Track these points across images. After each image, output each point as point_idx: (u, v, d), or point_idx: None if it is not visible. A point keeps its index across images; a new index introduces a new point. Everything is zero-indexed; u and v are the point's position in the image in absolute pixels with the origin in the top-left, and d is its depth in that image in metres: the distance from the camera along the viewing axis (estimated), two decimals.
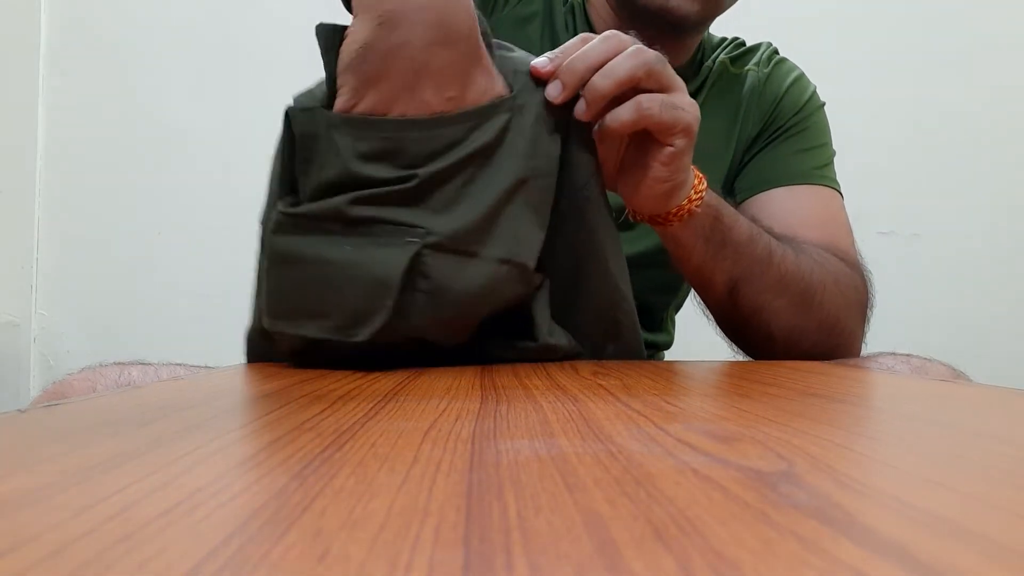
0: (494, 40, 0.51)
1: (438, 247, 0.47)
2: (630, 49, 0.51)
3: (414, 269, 0.46)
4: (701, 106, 0.75)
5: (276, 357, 0.53)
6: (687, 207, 0.57)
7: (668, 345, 0.85)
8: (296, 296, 0.48)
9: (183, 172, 1.45)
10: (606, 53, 0.50)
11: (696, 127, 0.53)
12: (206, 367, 0.67)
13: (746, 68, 0.79)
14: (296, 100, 0.51)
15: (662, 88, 0.52)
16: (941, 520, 0.15)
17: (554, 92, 0.50)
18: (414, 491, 0.17)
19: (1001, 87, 1.48)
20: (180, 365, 0.66)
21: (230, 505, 0.16)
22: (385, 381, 0.40)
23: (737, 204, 0.73)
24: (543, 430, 0.25)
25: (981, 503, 0.16)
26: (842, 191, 0.78)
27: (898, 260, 1.43)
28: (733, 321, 0.65)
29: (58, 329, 1.45)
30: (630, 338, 0.58)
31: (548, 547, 0.13)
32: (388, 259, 0.46)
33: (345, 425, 0.26)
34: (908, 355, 0.63)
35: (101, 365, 0.63)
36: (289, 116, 0.51)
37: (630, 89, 0.51)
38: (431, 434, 0.24)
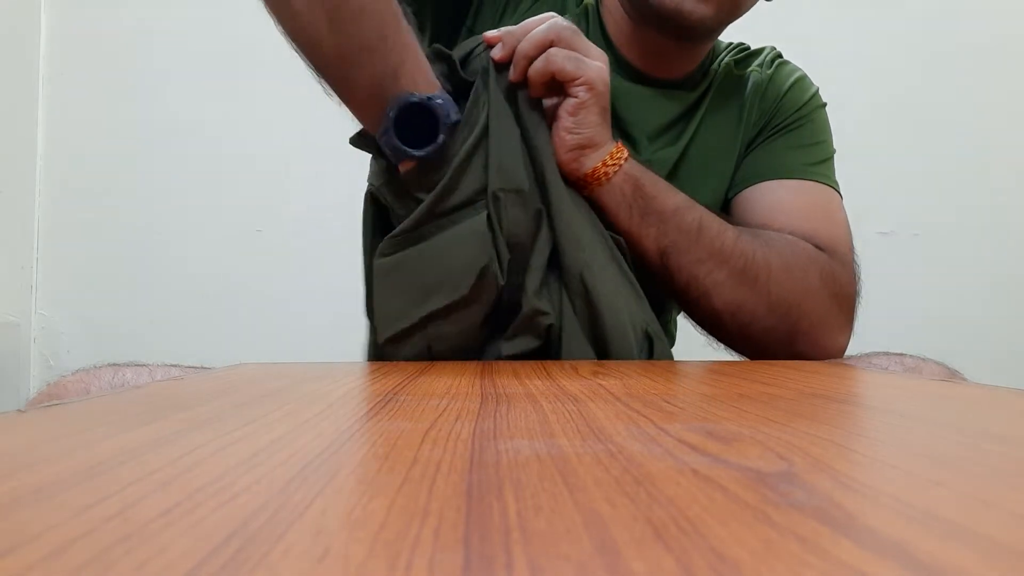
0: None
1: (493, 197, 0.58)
2: (548, 22, 0.61)
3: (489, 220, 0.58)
4: (707, 108, 0.76)
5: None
6: (601, 169, 0.62)
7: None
8: (408, 291, 0.59)
9: (183, 172, 1.45)
10: (535, 24, 0.61)
11: (600, 86, 0.61)
12: (201, 367, 0.67)
13: (749, 70, 0.79)
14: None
15: (572, 50, 0.60)
16: (941, 520, 0.15)
17: (497, 52, 0.62)
18: (414, 491, 0.17)
19: (1001, 87, 1.48)
20: (175, 366, 0.66)
21: (230, 505, 0.16)
22: (385, 381, 0.40)
23: (730, 199, 0.75)
24: (543, 430, 0.25)
25: (981, 503, 0.16)
26: (840, 190, 0.78)
27: (898, 260, 1.43)
28: (672, 289, 0.67)
29: (58, 329, 1.45)
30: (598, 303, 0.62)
31: (548, 547, 0.13)
32: (471, 225, 0.58)
33: (345, 425, 0.26)
34: (901, 355, 0.63)
35: (95, 367, 0.63)
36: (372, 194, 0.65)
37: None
38: (431, 434, 0.24)
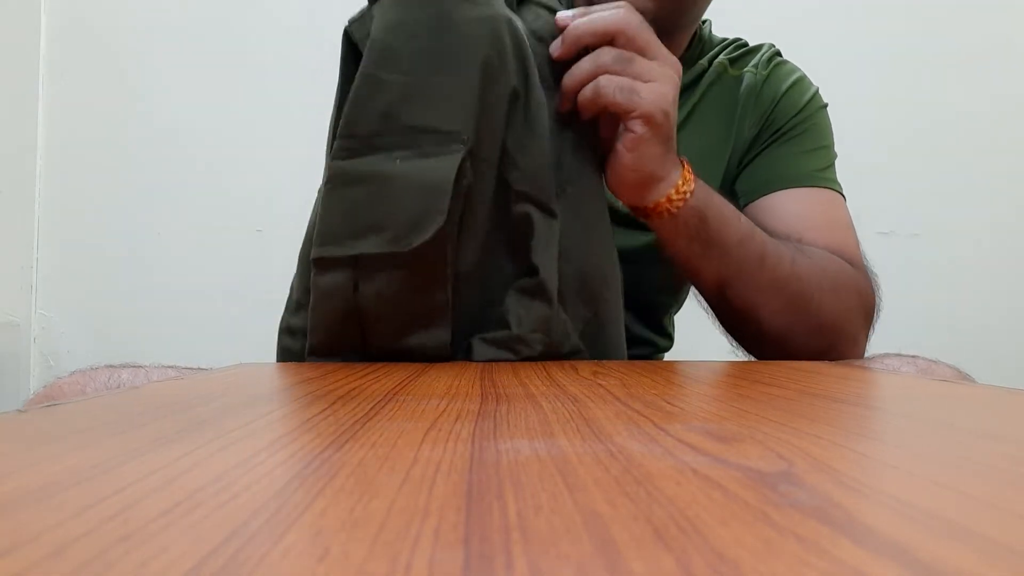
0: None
1: (474, 156, 0.51)
2: (620, 7, 0.54)
3: (461, 175, 0.50)
4: (697, 106, 0.74)
5: (305, 357, 0.55)
6: (665, 205, 0.57)
7: (668, 348, 0.85)
8: (352, 215, 0.51)
9: (183, 172, 1.45)
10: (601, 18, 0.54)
11: (660, 116, 0.54)
12: (198, 368, 0.67)
13: (744, 70, 0.79)
14: (350, 20, 0.55)
15: (637, 50, 0.54)
16: (941, 520, 0.15)
17: (555, 50, 0.55)
18: (414, 491, 0.17)
19: (1001, 87, 1.48)
20: (171, 367, 0.66)
21: (230, 505, 0.16)
22: (385, 381, 0.40)
23: (741, 207, 0.73)
24: (543, 430, 0.25)
25: (981, 503, 0.16)
26: (844, 193, 0.78)
27: (898, 260, 1.43)
28: (725, 317, 0.66)
29: (58, 329, 1.45)
30: (609, 319, 0.59)
31: (548, 547, 0.13)
32: (438, 167, 0.50)
33: (345, 425, 0.26)
34: (914, 356, 0.63)
35: (92, 368, 0.63)
36: (347, 31, 0.55)
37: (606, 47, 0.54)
38: (431, 434, 0.24)
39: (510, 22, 0.53)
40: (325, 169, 0.53)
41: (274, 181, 1.43)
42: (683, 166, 0.59)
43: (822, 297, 0.64)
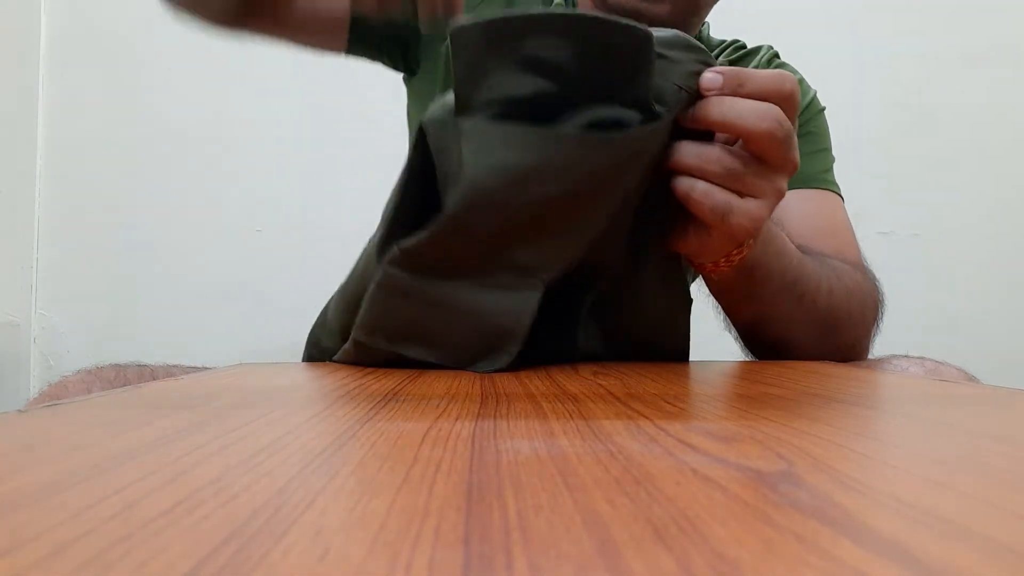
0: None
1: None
2: (777, 111, 0.46)
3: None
4: None
5: (342, 359, 0.52)
6: (721, 267, 0.54)
7: None
8: (405, 325, 0.47)
9: (183, 172, 1.45)
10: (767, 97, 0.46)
11: (742, 238, 0.50)
12: (204, 367, 0.67)
13: None
14: (429, 111, 0.47)
15: (770, 153, 0.47)
16: (941, 520, 0.15)
17: (712, 85, 0.46)
18: (414, 491, 0.17)
19: (1001, 87, 1.48)
20: (176, 367, 0.66)
21: (230, 505, 0.16)
22: (385, 381, 0.40)
23: None
24: (543, 430, 0.25)
25: (981, 503, 0.16)
26: (842, 194, 0.79)
27: (898, 260, 1.43)
28: (753, 344, 0.66)
29: (58, 329, 1.45)
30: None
31: (548, 547, 0.13)
32: (513, 308, 0.46)
33: (345, 425, 0.26)
34: (922, 358, 0.63)
35: (98, 367, 0.63)
36: (423, 129, 0.47)
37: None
38: (431, 434, 0.24)
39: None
40: (379, 263, 0.47)
41: (274, 181, 1.43)
42: None
43: (849, 319, 0.64)
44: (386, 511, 0.15)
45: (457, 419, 0.27)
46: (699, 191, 0.47)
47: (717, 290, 0.60)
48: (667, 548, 0.13)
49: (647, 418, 0.27)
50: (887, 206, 1.43)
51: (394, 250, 0.46)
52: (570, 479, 0.18)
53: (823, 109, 0.80)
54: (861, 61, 1.46)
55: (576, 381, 0.40)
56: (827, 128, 0.80)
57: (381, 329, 0.48)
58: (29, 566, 0.12)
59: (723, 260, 0.53)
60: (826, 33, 1.45)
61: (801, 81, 0.80)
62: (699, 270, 0.57)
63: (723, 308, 0.63)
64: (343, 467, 0.19)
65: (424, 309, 0.46)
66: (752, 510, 0.15)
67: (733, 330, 0.67)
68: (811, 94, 0.80)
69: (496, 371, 0.45)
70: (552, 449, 0.21)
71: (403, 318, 0.47)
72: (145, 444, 0.22)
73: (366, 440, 0.23)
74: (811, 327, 0.62)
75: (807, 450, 0.21)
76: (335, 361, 0.53)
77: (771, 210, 0.49)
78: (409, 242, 0.45)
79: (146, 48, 1.46)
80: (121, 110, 1.46)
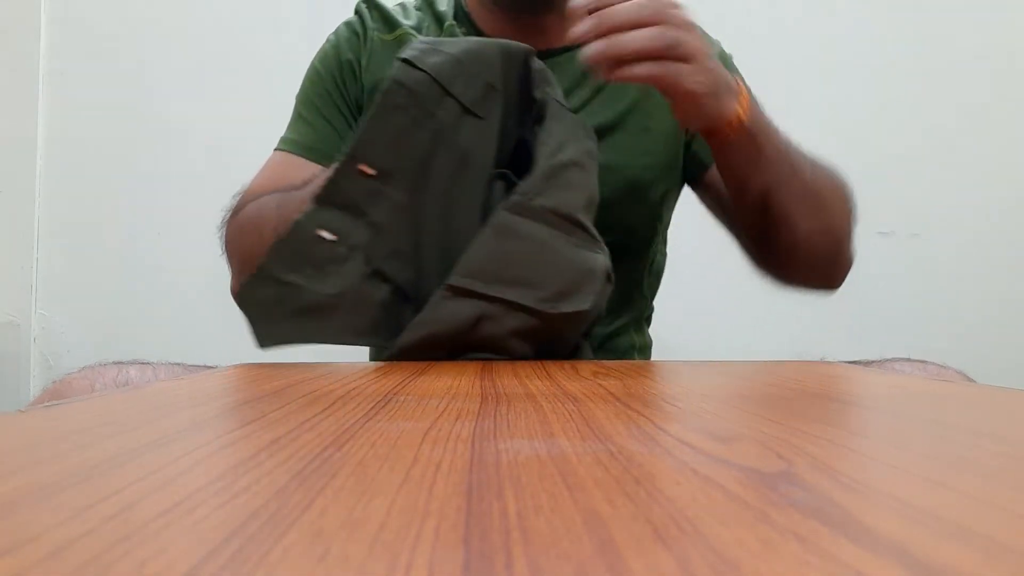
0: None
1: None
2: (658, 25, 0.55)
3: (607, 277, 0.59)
4: (641, 88, 0.76)
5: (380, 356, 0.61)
6: (739, 114, 0.61)
7: (645, 348, 0.84)
8: (505, 264, 0.56)
9: (183, 172, 1.45)
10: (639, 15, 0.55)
11: (713, 83, 0.58)
12: (205, 366, 0.67)
13: None
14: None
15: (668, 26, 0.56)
16: (941, 520, 0.15)
17: (580, 30, 0.56)
18: (414, 491, 0.17)
19: (1001, 87, 1.48)
20: (179, 364, 0.66)
21: (230, 505, 0.16)
22: (385, 381, 0.40)
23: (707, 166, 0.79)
24: (543, 430, 0.25)
25: (981, 503, 0.16)
26: None
27: (898, 260, 1.43)
28: (764, 227, 0.71)
29: (58, 329, 1.45)
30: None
31: (548, 547, 0.13)
32: (596, 261, 0.58)
33: (345, 425, 0.26)
34: (923, 361, 0.63)
35: (100, 364, 0.63)
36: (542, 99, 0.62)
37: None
38: (431, 434, 0.24)
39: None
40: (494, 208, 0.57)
41: None
42: (736, 79, 0.63)
43: (834, 196, 0.71)
44: (386, 511, 0.15)
45: (457, 419, 0.27)
46: (643, 71, 0.55)
47: (729, 164, 0.66)
48: (667, 548, 0.13)
49: (647, 418, 0.27)
50: (887, 206, 1.43)
51: (513, 197, 0.56)
52: (570, 479, 0.18)
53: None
54: (861, 61, 1.46)
55: (576, 381, 0.40)
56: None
57: (481, 272, 0.55)
58: (29, 566, 0.12)
59: (739, 109, 0.61)
60: (827, 33, 1.45)
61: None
62: (715, 142, 0.64)
63: (736, 188, 0.69)
64: (343, 467, 0.19)
65: (534, 248, 0.56)
66: (752, 510, 0.15)
67: (743, 236, 0.75)
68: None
69: (578, 311, 0.57)
70: (552, 449, 0.21)
71: (504, 256, 0.56)
72: (145, 444, 0.22)
73: (366, 440, 0.23)
74: (805, 200, 0.68)
75: (807, 450, 0.21)
76: (417, 324, 0.56)
77: (710, 59, 0.58)
78: (530, 187, 0.56)
79: (146, 48, 1.46)
80: (121, 110, 1.46)
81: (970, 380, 0.62)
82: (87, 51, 1.47)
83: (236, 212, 0.72)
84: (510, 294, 0.55)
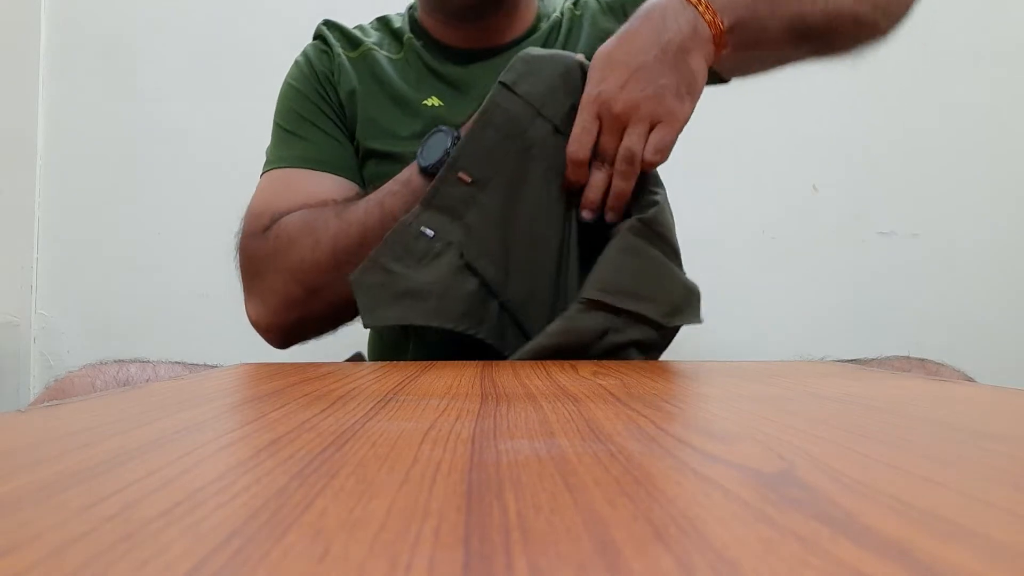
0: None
1: None
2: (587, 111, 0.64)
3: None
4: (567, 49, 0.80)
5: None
6: (710, 20, 0.63)
7: None
8: (639, 280, 0.63)
9: (183, 172, 1.45)
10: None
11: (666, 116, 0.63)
12: (205, 365, 0.67)
13: (580, 3, 0.85)
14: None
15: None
16: (941, 520, 0.15)
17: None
18: (414, 491, 0.17)
19: (1002, 86, 1.48)
20: (179, 363, 0.67)
21: (230, 505, 0.16)
22: (385, 381, 0.40)
23: None
24: (543, 430, 0.25)
25: (981, 503, 0.16)
26: None
27: (898, 260, 1.43)
28: (824, 40, 0.74)
29: (58, 329, 1.45)
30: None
31: (548, 547, 0.13)
32: (694, 284, 0.66)
33: (345, 425, 0.26)
34: (922, 360, 0.63)
35: (101, 362, 0.63)
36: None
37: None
38: (431, 434, 0.24)
39: None
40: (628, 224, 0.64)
41: None
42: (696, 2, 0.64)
43: None
44: (386, 511, 0.15)
45: (457, 419, 0.27)
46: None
47: (748, 55, 0.69)
48: (667, 548, 0.13)
49: (647, 418, 0.27)
50: (887, 206, 1.43)
51: (634, 221, 0.63)
52: (570, 479, 0.18)
53: None
54: (861, 61, 1.46)
55: (576, 381, 0.40)
56: None
57: (616, 288, 0.62)
58: (29, 566, 0.12)
59: (714, 62, 0.65)
60: None
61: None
62: (719, 70, 0.72)
63: (773, 57, 0.73)
64: (343, 467, 0.19)
65: (651, 266, 0.63)
66: (752, 510, 0.15)
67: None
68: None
69: (692, 323, 0.65)
70: (552, 449, 0.21)
71: (635, 274, 0.63)
72: (145, 444, 0.22)
73: (366, 440, 0.23)
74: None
75: (807, 450, 0.21)
76: (552, 331, 0.62)
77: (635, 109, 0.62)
78: (647, 215, 0.63)
79: (146, 48, 1.46)
80: (121, 110, 1.45)
81: (969, 379, 0.62)
82: (87, 51, 1.46)
83: (264, 231, 0.73)
84: (638, 307, 0.62)
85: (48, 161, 1.46)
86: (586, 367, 0.50)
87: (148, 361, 0.65)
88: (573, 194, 0.66)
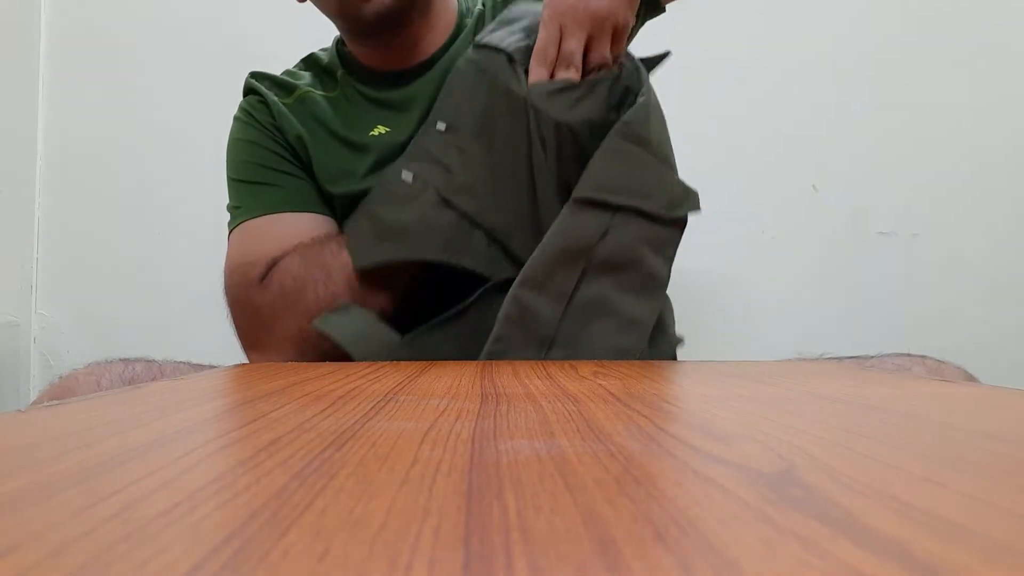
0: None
1: None
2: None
3: None
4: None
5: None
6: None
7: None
8: (630, 177, 0.66)
9: (183, 172, 1.45)
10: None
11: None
12: (210, 365, 0.67)
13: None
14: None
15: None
16: (941, 520, 0.15)
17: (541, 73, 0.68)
18: (414, 491, 0.17)
19: (1002, 86, 1.48)
20: (184, 363, 0.67)
21: (230, 505, 0.16)
22: (385, 381, 0.40)
23: None
24: (543, 430, 0.24)
25: (981, 503, 0.16)
26: None
27: (898, 260, 1.43)
28: None
29: (58, 329, 1.45)
30: None
31: (548, 547, 0.13)
32: (691, 188, 0.69)
33: (345, 425, 0.26)
34: (923, 357, 0.63)
35: (107, 361, 0.64)
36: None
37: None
38: (431, 434, 0.24)
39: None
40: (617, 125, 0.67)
41: None
42: None
43: None
44: (386, 511, 0.15)
45: (457, 419, 0.27)
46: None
47: None
48: (667, 548, 0.13)
49: (647, 418, 0.27)
50: (887, 206, 1.43)
51: (620, 125, 0.65)
52: (570, 479, 0.18)
53: None
54: (862, 60, 1.46)
55: (576, 381, 0.40)
56: None
57: (609, 185, 0.64)
58: (29, 566, 0.12)
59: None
60: (827, 32, 1.45)
61: None
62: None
63: None
64: (343, 467, 0.19)
65: (642, 164, 0.66)
66: (752, 510, 0.15)
67: None
68: None
69: (689, 212, 0.68)
70: (552, 449, 0.21)
71: (627, 173, 0.65)
72: (145, 444, 0.22)
73: (366, 440, 0.23)
74: None
75: (807, 450, 0.21)
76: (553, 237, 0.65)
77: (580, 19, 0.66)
78: (632, 118, 0.65)
79: (146, 48, 1.46)
80: (121, 110, 1.45)
81: (970, 376, 0.62)
82: (87, 51, 1.46)
83: (262, 279, 0.71)
84: (634, 202, 0.65)
85: (48, 161, 1.46)
86: (586, 367, 0.50)
87: (154, 361, 0.66)
88: (541, 122, 0.67)
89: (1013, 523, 0.15)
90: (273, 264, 0.70)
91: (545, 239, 0.64)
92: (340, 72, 0.81)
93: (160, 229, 1.44)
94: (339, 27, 0.80)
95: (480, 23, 0.81)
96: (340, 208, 0.76)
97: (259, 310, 0.71)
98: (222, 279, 0.74)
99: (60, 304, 1.45)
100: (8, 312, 1.42)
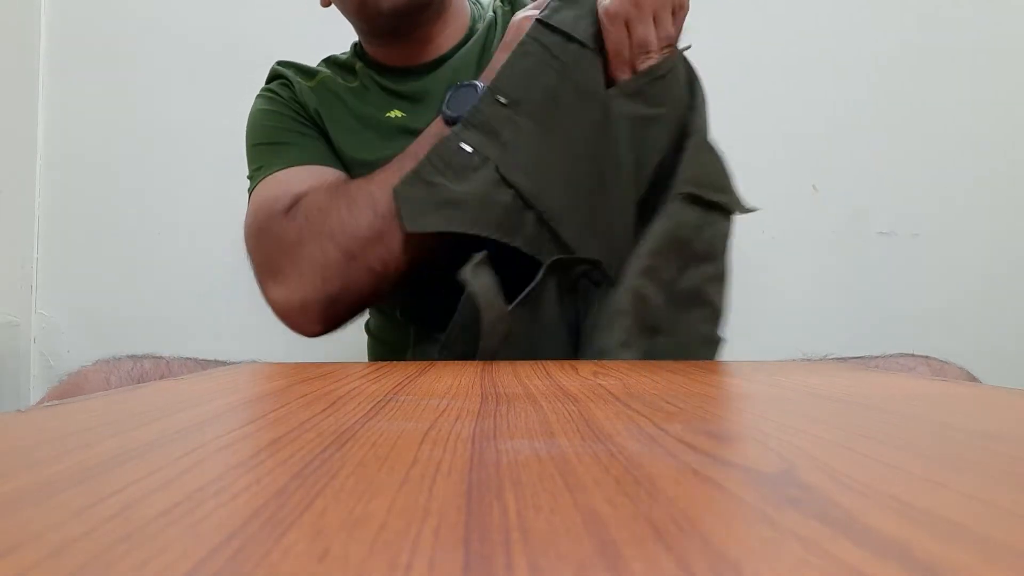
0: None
1: None
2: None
3: None
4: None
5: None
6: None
7: None
8: (718, 176, 0.70)
9: (182, 172, 1.45)
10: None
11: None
12: (217, 360, 0.67)
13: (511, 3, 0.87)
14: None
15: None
16: (941, 520, 0.15)
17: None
18: (414, 491, 0.17)
19: (1002, 86, 1.48)
20: (192, 359, 0.67)
21: (230, 505, 0.16)
22: (385, 381, 0.40)
23: None
24: (543, 430, 0.25)
25: (981, 503, 0.16)
26: None
27: (898, 260, 1.43)
28: None
29: (58, 329, 1.45)
30: None
31: (548, 547, 0.13)
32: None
33: (345, 425, 0.26)
34: (927, 357, 0.64)
35: (115, 358, 0.64)
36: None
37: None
38: (431, 434, 0.24)
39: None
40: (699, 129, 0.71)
41: None
42: None
43: None
44: (386, 511, 0.15)
45: (457, 419, 0.27)
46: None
47: None
48: (667, 548, 0.13)
49: (647, 418, 0.27)
50: (887, 206, 1.43)
51: (702, 121, 0.70)
52: (570, 479, 0.18)
53: None
54: (862, 59, 1.46)
55: (576, 381, 0.40)
56: None
57: (704, 179, 0.69)
58: (29, 566, 0.12)
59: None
60: (826, 31, 1.45)
61: None
62: None
63: None
64: (343, 467, 0.19)
65: (721, 161, 0.71)
66: (752, 510, 0.15)
67: None
68: None
69: (751, 211, 0.74)
70: (552, 449, 0.21)
71: (716, 170, 0.71)
72: (145, 444, 0.22)
73: (366, 440, 0.23)
74: None
75: (807, 450, 0.21)
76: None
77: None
78: (705, 113, 0.71)
79: (146, 48, 1.46)
80: (121, 110, 1.45)
81: (972, 377, 0.62)
82: (87, 51, 1.46)
83: (287, 211, 0.72)
84: (722, 199, 0.70)
85: (48, 161, 1.46)
86: (586, 367, 0.50)
87: (162, 357, 0.66)
88: (608, 109, 0.69)
89: (1013, 523, 0.15)
90: (299, 199, 0.72)
91: (655, 231, 0.67)
92: (359, 65, 0.85)
93: (160, 229, 1.44)
94: (357, 28, 0.84)
95: (491, 30, 0.84)
96: (356, 170, 0.78)
97: (283, 237, 0.72)
98: (242, 229, 0.76)
99: (60, 304, 1.45)
100: (8, 312, 1.42)
